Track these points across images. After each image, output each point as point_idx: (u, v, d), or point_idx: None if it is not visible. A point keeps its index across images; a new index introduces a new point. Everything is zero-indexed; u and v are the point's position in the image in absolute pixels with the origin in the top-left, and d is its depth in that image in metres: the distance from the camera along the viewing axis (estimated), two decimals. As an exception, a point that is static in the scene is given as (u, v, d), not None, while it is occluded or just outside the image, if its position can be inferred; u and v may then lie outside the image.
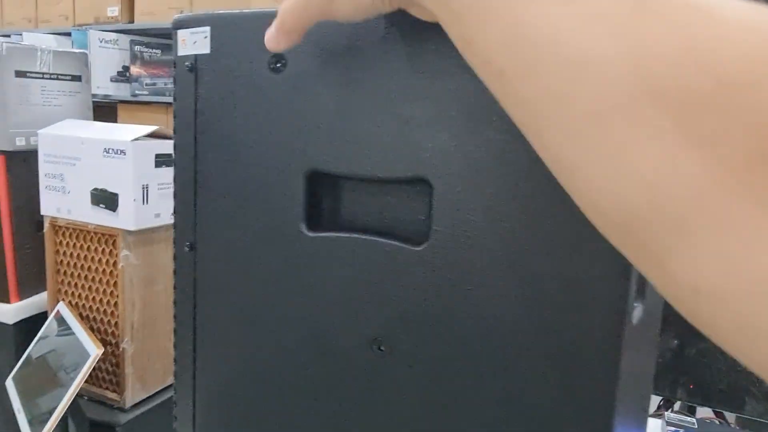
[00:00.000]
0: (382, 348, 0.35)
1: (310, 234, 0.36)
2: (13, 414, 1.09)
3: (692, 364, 1.45)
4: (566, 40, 0.21)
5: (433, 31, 0.31)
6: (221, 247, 0.38)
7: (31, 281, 1.30)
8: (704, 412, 1.47)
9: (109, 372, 1.17)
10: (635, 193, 0.20)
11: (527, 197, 0.31)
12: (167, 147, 1.11)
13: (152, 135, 1.10)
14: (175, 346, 0.41)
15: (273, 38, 0.33)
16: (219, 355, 0.40)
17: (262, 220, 0.37)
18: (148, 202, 1.07)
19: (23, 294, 1.29)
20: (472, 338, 0.33)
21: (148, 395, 1.19)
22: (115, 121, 2.74)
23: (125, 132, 1.07)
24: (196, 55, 0.36)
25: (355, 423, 0.36)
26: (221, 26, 0.36)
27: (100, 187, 1.08)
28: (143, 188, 1.06)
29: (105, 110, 2.66)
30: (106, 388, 1.18)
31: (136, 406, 1.17)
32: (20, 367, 1.17)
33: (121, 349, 1.13)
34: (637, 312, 0.33)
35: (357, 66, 0.35)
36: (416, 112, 0.33)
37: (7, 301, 1.28)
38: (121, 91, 2.71)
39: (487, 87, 0.25)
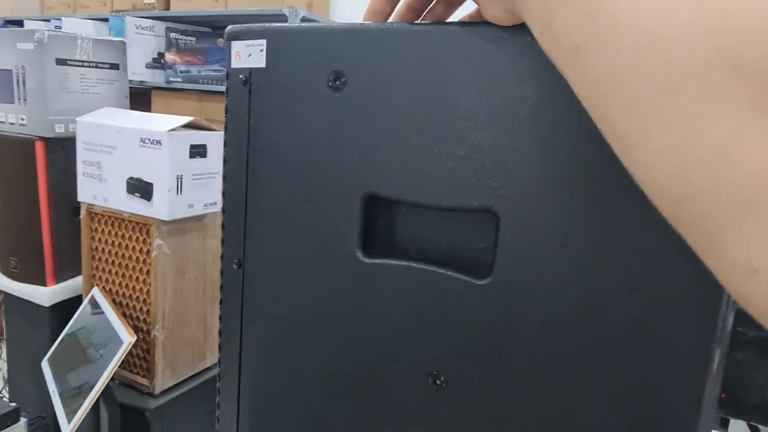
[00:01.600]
0: (439, 381, 0.34)
1: (366, 260, 0.34)
2: (50, 395, 1.12)
3: (726, 374, 1.41)
4: (645, 11, 0.21)
5: (506, 51, 0.30)
6: (271, 267, 0.37)
7: (67, 266, 1.33)
8: (737, 426, 1.42)
9: (140, 358, 1.19)
10: (699, 165, 0.19)
11: (602, 232, 0.28)
12: (202, 138, 1.12)
13: (187, 126, 1.10)
14: (219, 363, 0.40)
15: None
16: (264, 378, 0.39)
17: (315, 242, 0.35)
18: (182, 192, 1.08)
19: (59, 278, 1.32)
20: (537, 378, 0.31)
21: (177, 382, 1.21)
22: (148, 107, 2.77)
23: (161, 122, 1.08)
24: (250, 69, 0.35)
25: None
26: (278, 40, 0.34)
27: (135, 176, 1.09)
28: (177, 179, 1.07)
29: (139, 96, 2.69)
30: (137, 374, 1.20)
31: (165, 392, 1.19)
32: (54, 348, 1.20)
33: (152, 336, 1.15)
34: (716, 356, 0.30)
35: (422, 89, 0.34)
36: (484, 139, 0.31)
37: (44, 284, 1.31)
38: (155, 77, 2.74)
39: (560, 71, 0.25)
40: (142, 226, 1.11)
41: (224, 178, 0.38)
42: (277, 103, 0.35)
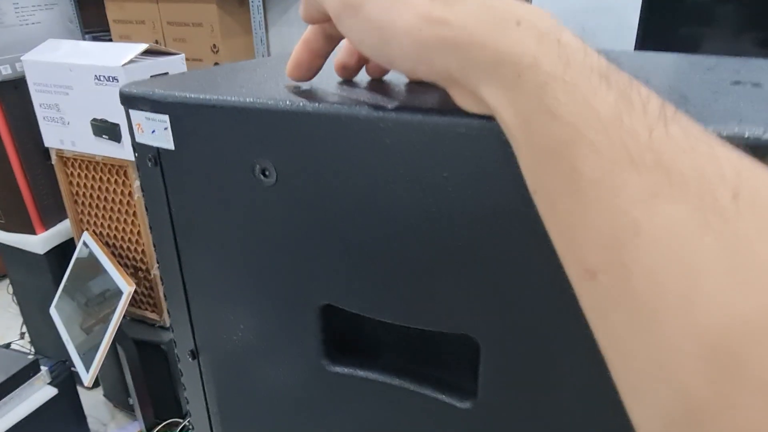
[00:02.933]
0: None
1: (332, 369, 0.29)
2: (62, 341, 1.15)
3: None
4: (705, 298, 0.17)
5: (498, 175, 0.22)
6: (227, 362, 0.32)
7: (51, 211, 1.29)
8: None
9: (145, 295, 1.20)
10: None
11: (591, 360, 0.24)
12: (162, 66, 1.02)
13: (145, 53, 1.00)
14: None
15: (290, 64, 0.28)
16: None
17: (272, 345, 0.30)
18: (152, 130, 1.01)
19: (47, 224, 1.29)
20: None
21: (186, 312, 1.23)
22: (103, 14, 2.55)
23: (114, 54, 0.98)
24: (158, 148, 0.27)
25: None
26: (184, 116, 0.25)
27: (99, 117, 1.02)
28: (144, 116, 0.99)
29: (91, 2, 2.46)
30: (146, 309, 1.22)
31: (176, 323, 1.22)
32: (63, 284, 1.20)
33: (152, 275, 1.15)
34: None
35: (380, 183, 0.26)
36: (460, 254, 0.24)
37: (33, 233, 1.29)
38: (103, -22, 2.48)
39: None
40: (118, 168, 1.06)
41: (157, 261, 0.32)
42: (197, 192, 0.27)
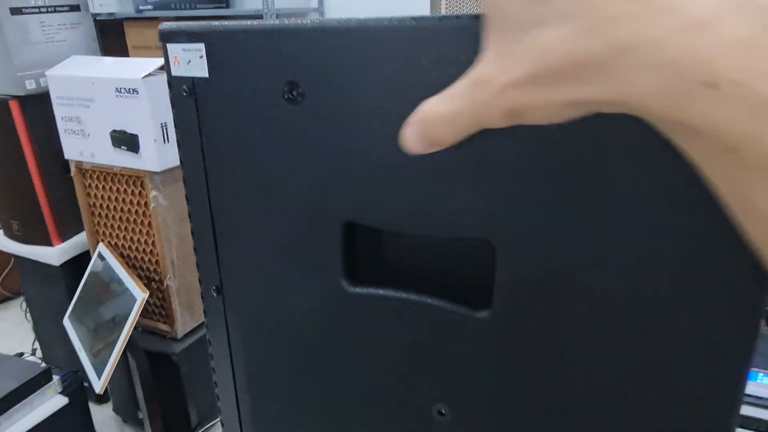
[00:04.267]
0: (443, 412, 0.32)
1: (352, 289, 0.30)
2: (75, 351, 1.15)
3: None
4: None
5: None
6: (251, 295, 0.33)
7: (69, 223, 1.32)
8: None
9: (158, 306, 1.21)
10: None
11: (598, 256, 0.24)
12: (180, 79, 1.05)
13: (163, 67, 1.04)
14: (217, 396, 0.38)
15: (418, 146, 0.24)
16: (264, 412, 0.37)
17: (295, 269, 0.31)
18: (169, 140, 1.03)
19: (64, 236, 1.32)
20: (538, 413, 0.28)
21: (197, 324, 1.24)
22: (123, 40, 2.63)
23: (135, 68, 1.01)
24: (192, 78, 0.29)
25: None
26: (218, 44, 0.27)
27: (118, 128, 1.05)
28: (162, 127, 1.02)
29: (111, 29, 2.55)
30: (158, 321, 1.23)
31: (187, 335, 1.22)
32: (76, 299, 1.21)
33: (165, 285, 1.16)
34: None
35: (399, 97, 0.27)
36: (476, 166, 0.25)
37: (50, 244, 1.31)
38: (125, 7, 2.57)
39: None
40: (135, 179, 1.08)
41: (187, 199, 0.34)
42: (229, 119, 0.29)
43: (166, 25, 0.30)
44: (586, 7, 0.18)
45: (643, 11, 0.17)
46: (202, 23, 0.29)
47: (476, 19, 0.25)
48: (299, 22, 0.27)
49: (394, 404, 0.32)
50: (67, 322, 1.22)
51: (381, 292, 0.30)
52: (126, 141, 1.05)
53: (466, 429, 0.31)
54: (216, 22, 0.29)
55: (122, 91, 1.00)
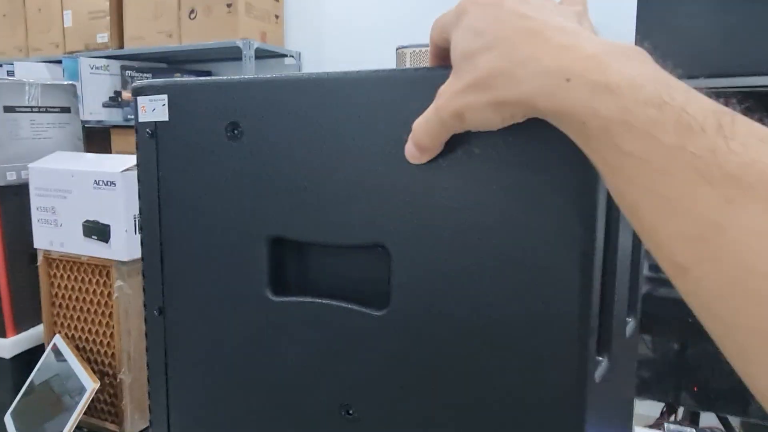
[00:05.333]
0: (351, 412, 0.36)
1: (276, 299, 0.37)
2: (12, 451, 1.08)
3: (694, 367, 1.45)
4: None
5: (402, 101, 0.32)
6: (189, 312, 0.39)
7: (27, 315, 1.30)
8: (708, 419, 1.46)
9: (107, 403, 1.16)
10: None
11: (483, 265, 0.32)
12: (157, 176, 1.11)
13: (142, 164, 1.10)
14: (150, 410, 0.41)
15: (414, 155, 0.34)
16: (192, 419, 0.41)
17: (227, 285, 0.38)
18: (138, 231, 1.07)
19: (19, 328, 1.29)
20: (433, 402, 0.33)
21: (147, 425, 1.19)
22: (108, 146, 2.74)
23: (115, 163, 1.08)
24: (155, 122, 0.37)
25: None
26: (178, 94, 0.37)
27: (91, 218, 1.08)
28: (134, 218, 1.06)
29: (98, 136, 2.66)
30: (105, 419, 1.17)
31: (135, 436, 1.16)
32: (20, 399, 1.16)
33: (118, 380, 1.13)
34: (602, 367, 0.33)
35: (312, 134, 0.36)
36: (375, 180, 0.34)
37: (4, 336, 1.27)
38: (113, 116, 2.72)
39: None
40: (102, 268, 1.10)
41: (140, 228, 0.40)
42: (181, 155, 0.37)
43: (138, 83, 0.37)
44: (502, 40, 0.29)
45: (535, 41, 0.28)
46: (167, 80, 0.36)
47: (374, 72, 0.34)
48: (241, 77, 0.35)
49: (308, 407, 0.35)
50: (8, 418, 1.15)
51: (299, 299, 0.35)
52: (97, 231, 1.08)
53: (372, 427, 0.33)
54: (177, 78, 0.36)
55: (100, 183, 1.06)
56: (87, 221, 1.09)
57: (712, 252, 0.22)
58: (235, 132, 0.35)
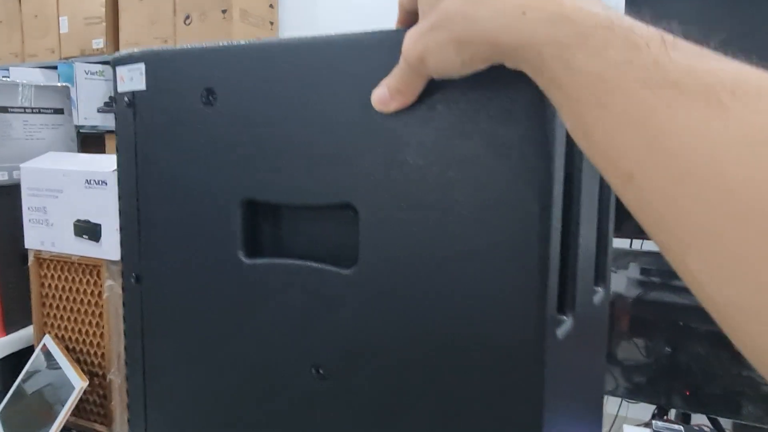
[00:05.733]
0: (321, 371, 0.36)
1: (249, 261, 0.37)
2: (0, 451, 1.07)
3: (686, 370, 1.45)
4: (723, 167, 0.21)
5: (368, 63, 0.33)
6: (165, 278, 0.40)
7: (18, 316, 1.29)
8: (698, 419, 1.46)
9: (96, 404, 1.16)
10: None
11: (445, 218, 0.32)
12: (149, 176, 1.12)
13: (134, 164, 1.10)
14: (127, 378, 0.41)
15: (383, 100, 0.35)
16: (167, 385, 0.41)
17: (202, 249, 0.38)
18: (131, 231, 1.07)
19: (9, 329, 1.28)
20: (401, 359, 0.34)
21: (137, 426, 1.18)
22: (103, 151, 2.75)
23: (106, 162, 1.08)
24: (133, 92, 0.38)
25: None
26: (155, 62, 0.38)
27: (82, 218, 1.08)
28: (126, 218, 1.06)
29: (93, 141, 2.67)
30: (95, 421, 1.17)
31: (125, 437, 1.16)
32: (9, 403, 1.15)
33: (108, 380, 1.12)
34: (566, 326, 0.34)
35: (283, 98, 0.37)
36: (343, 141, 0.35)
37: (-7, 337, 1.27)
38: (108, 121, 2.72)
39: (590, 160, 0.26)
40: (92, 268, 1.10)
41: (119, 198, 0.40)
42: (158, 123, 0.38)
43: (117, 54, 0.38)
44: None
45: None
46: (145, 49, 0.37)
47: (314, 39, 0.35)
48: (216, 43, 0.36)
49: (281, 367, 0.35)
50: (-4, 419, 1.15)
51: (272, 261, 0.35)
52: (88, 230, 1.08)
53: (342, 386, 0.34)
54: (155, 47, 0.37)
55: (92, 182, 1.06)
56: (78, 221, 1.09)
57: (656, 155, 0.24)
58: (210, 98, 0.36)
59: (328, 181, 0.35)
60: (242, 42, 0.36)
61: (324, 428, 0.35)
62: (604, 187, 0.43)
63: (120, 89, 0.38)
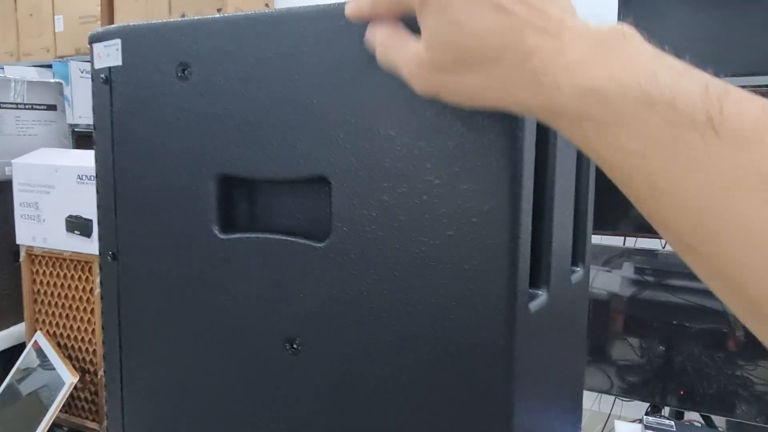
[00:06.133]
0: (295, 345, 0.36)
1: (223, 236, 0.38)
2: (-10, 448, 1.07)
3: (681, 370, 1.45)
4: None
5: (340, 35, 0.33)
6: (142, 255, 0.40)
7: (9, 313, 1.28)
8: (691, 416, 1.46)
9: (87, 401, 1.15)
10: None
11: (416, 189, 0.32)
12: (142, 171, 1.11)
13: (126, 160, 1.10)
14: (104, 357, 0.41)
15: (356, 8, 0.33)
16: (143, 362, 0.41)
17: (177, 225, 0.38)
18: (123, 226, 1.06)
19: (1, 325, 1.28)
20: (374, 332, 0.34)
21: (129, 423, 1.17)
22: (98, 150, 2.73)
23: (99, 158, 1.08)
24: (109, 68, 0.38)
25: (271, 420, 0.37)
26: (131, 38, 0.38)
27: (74, 214, 1.08)
28: (118, 213, 1.06)
29: (88, 139, 2.65)
30: (86, 418, 1.16)
31: (116, 435, 1.15)
32: (2, 402, 1.15)
33: (99, 377, 1.12)
34: (539, 300, 0.34)
35: (256, 72, 0.37)
36: (315, 114, 0.35)
37: (-15, 334, 1.26)
38: (103, 120, 2.72)
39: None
40: (84, 263, 1.09)
41: (96, 175, 0.40)
42: (134, 98, 0.38)
43: (94, 30, 0.38)
44: (488, 54, 0.29)
45: (516, 47, 0.28)
46: (121, 25, 0.37)
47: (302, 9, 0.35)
48: (190, 18, 0.36)
49: (255, 341, 0.35)
50: (-14, 416, 1.14)
51: (246, 235, 0.35)
52: (80, 226, 1.07)
53: (315, 359, 0.34)
54: (130, 23, 0.37)
55: (83, 177, 1.05)
56: (70, 216, 1.08)
57: (713, 231, 0.23)
58: (185, 72, 0.36)
59: (302, 154, 0.36)
60: (216, 16, 0.37)
61: (296, 401, 0.35)
62: (582, 172, 0.43)
63: (97, 65, 0.39)
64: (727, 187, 0.23)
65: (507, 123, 0.31)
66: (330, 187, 0.36)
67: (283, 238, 0.37)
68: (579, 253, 0.45)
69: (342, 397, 0.34)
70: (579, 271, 0.45)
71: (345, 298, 0.35)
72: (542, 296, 0.35)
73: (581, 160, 0.43)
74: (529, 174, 0.31)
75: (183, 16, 2.28)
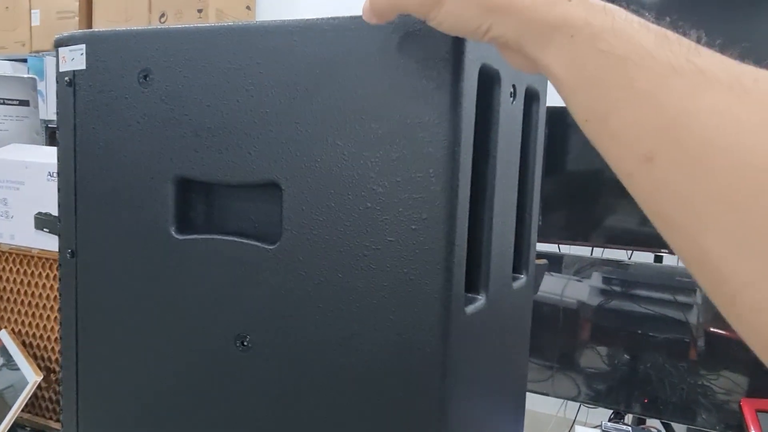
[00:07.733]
0: (245, 343, 0.38)
1: (179, 237, 0.39)
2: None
3: (645, 378, 1.48)
4: (747, 144, 0.22)
5: (295, 49, 0.35)
6: (100, 253, 0.42)
7: (-27, 309, 1.26)
8: (652, 423, 1.49)
9: (52, 401, 1.14)
10: None
11: (360, 196, 0.34)
12: (114, 170, 1.11)
13: (99, 158, 1.09)
14: (60, 353, 0.42)
15: (367, 13, 0.34)
16: (99, 360, 0.42)
17: (135, 225, 0.40)
18: (93, 225, 1.06)
19: (-36, 323, 1.25)
20: (319, 331, 0.36)
21: (93, 424, 1.16)
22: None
23: (70, 156, 1.07)
24: (74, 71, 0.39)
25: (222, 416, 0.38)
26: (96, 44, 0.40)
27: (44, 211, 1.07)
28: (88, 212, 1.05)
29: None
30: (50, 418, 1.14)
31: (80, 435, 1.14)
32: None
33: (64, 377, 1.11)
34: (477, 305, 0.36)
35: (214, 79, 0.39)
36: (269, 122, 0.37)
37: (-53, 331, 1.24)
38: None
39: (611, 165, 0.27)
40: (52, 261, 1.09)
41: (58, 175, 0.41)
42: (96, 101, 0.40)
43: (59, 35, 0.39)
44: None
45: None
46: (86, 30, 0.38)
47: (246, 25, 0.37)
48: (154, 27, 0.38)
49: (207, 340, 0.36)
50: (-54, 415, 1.12)
51: (201, 237, 0.37)
52: (49, 223, 1.07)
53: (264, 357, 0.35)
54: (96, 29, 0.38)
55: (54, 175, 1.05)
56: (39, 213, 1.07)
57: (679, 134, 0.24)
58: (147, 78, 0.38)
59: (255, 160, 0.38)
60: (178, 26, 0.38)
61: (246, 397, 0.37)
62: (526, 186, 0.45)
63: (62, 68, 0.40)
64: (700, 87, 0.24)
65: (445, 137, 0.32)
66: (281, 193, 0.38)
67: (237, 239, 0.38)
68: (523, 260, 0.47)
69: (289, 392, 0.36)
70: (522, 278, 0.47)
71: (293, 298, 0.36)
72: (480, 300, 0.37)
73: (525, 174, 0.45)
74: (465, 186, 0.33)
75: (162, 15, 2.26)
